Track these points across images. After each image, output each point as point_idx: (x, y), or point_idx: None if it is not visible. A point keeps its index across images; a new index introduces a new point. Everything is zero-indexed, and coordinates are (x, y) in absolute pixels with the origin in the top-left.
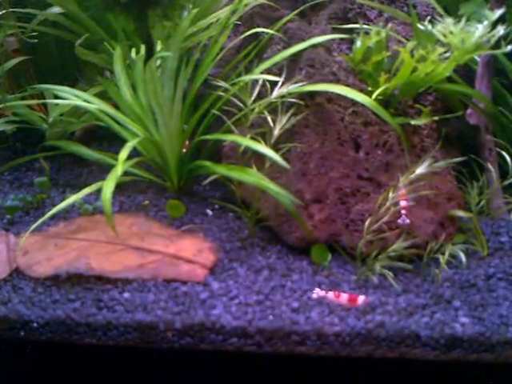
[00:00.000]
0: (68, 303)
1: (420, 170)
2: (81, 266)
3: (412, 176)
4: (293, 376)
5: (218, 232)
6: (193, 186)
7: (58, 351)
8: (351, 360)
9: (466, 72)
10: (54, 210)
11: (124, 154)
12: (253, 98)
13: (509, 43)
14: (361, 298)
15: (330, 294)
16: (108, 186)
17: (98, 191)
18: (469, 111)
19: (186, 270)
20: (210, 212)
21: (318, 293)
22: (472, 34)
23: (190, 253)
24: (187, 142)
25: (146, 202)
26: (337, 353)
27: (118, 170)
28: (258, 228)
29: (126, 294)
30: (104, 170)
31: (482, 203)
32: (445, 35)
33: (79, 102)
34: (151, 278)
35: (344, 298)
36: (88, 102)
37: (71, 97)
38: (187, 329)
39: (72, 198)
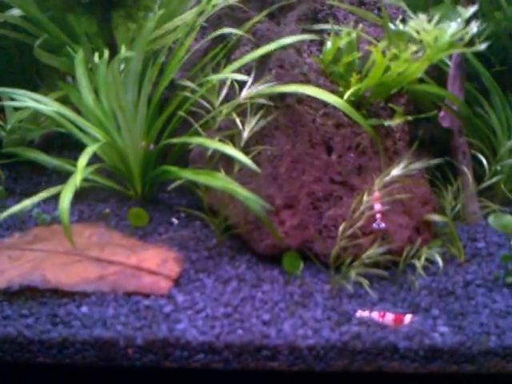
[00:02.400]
0: (20, 319)
1: (395, 171)
2: (36, 278)
3: (387, 178)
4: None
5: (184, 241)
6: (157, 193)
7: (10, 371)
8: (326, 375)
9: (438, 74)
10: (5, 214)
11: (83, 160)
12: (221, 100)
13: (483, 41)
14: (407, 318)
15: (375, 314)
16: (66, 195)
17: (57, 200)
18: (442, 114)
19: (149, 282)
20: (175, 220)
21: (360, 313)
22: (445, 31)
23: (153, 264)
24: (145, 144)
25: (107, 211)
26: (310, 368)
27: (77, 177)
28: (226, 236)
29: (84, 309)
30: (64, 178)
31: (457, 208)
32: (418, 32)
33: (37, 106)
34: (111, 291)
35: (389, 318)
36: (48, 107)
37: (30, 101)
38: (150, 345)
39: (26, 202)
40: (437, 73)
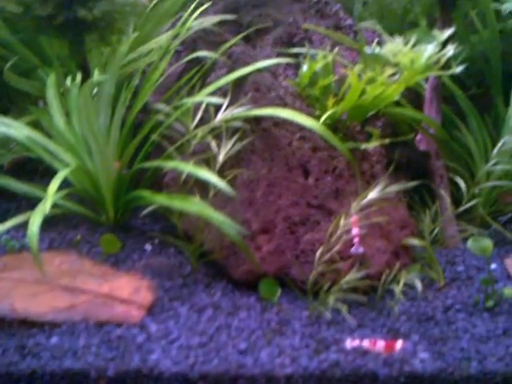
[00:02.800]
0: None
1: (372, 195)
2: (4, 308)
3: (364, 202)
4: None
5: (158, 268)
6: (130, 219)
7: None
8: None
9: (414, 97)
10: None
11: (53, 186)
12: (196, 124)
13: (459, 64)
14: (399, 344)
15: (366, 343)
16: (35, 221)
17: (27, 227)
18: (418, 137)
19: (121, 311)
20: (148, 247)
21: (351, 342)
22: (421, 54)
23: (125, 292)
24: (118, 165)
25: (78, 238)
26: None
27: (47, 203)
28: (202, 263)
29: (54, 339)
30: (34, 204)
31: (435, 231)
32: (394, 55)
33: (7, 130)
34: (82, 320)
35: (381, 345)
36: (18, 132)
37: (0, 126)
38: (122, 376)
39: None
40: (413, 96)
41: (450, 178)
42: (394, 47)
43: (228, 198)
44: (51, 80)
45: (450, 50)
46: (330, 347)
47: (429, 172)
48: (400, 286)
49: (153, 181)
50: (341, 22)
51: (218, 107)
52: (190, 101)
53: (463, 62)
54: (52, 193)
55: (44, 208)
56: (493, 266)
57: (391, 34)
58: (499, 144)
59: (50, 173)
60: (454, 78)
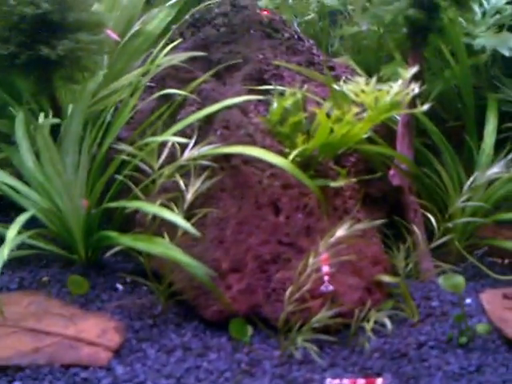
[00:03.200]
0: None
1: (340, 232)
2: None
3: (332, 239)
4: None
5: (128, 309)
6: (103, 256)
7: None
8: None
9: (387, 132)
10: None
11: (13, 230)
12: (164, 162)
13: (433, 98)
14: (379, 381)
15: (346, 382)
16: None
17: None
18: (391, 172)
19: (88, 354)
20: (120, 287)
21: (331, 382)
22: (385, 92)
23: (92, 334)
24: (86, 204)
25: (45, 279)
26: None
27: (5, 250)
28: (173, 303)
29: (17, 383)
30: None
31: (409, 266)
32: (357, 94)
33: None
34: (47, 364)
35: (361, 383)
36: None
37: None
38: None
39: None
40: (386, 131)
41: (423, 213)
42: (355, 87)
43: (197, 237)
44: (20, 118)
45: (416, 89)
46: None
47: (402, 207)
48: (371, 324)
49: (124, 219)
50: (314, 58)
51: (186, 145)
52: (154, 140)
53: (438, 96)
54: (11, 238)
55: (2, 254)
56: (468, 300)
57: (367, 68)
58: (470, 179)
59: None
60: (428, 111)
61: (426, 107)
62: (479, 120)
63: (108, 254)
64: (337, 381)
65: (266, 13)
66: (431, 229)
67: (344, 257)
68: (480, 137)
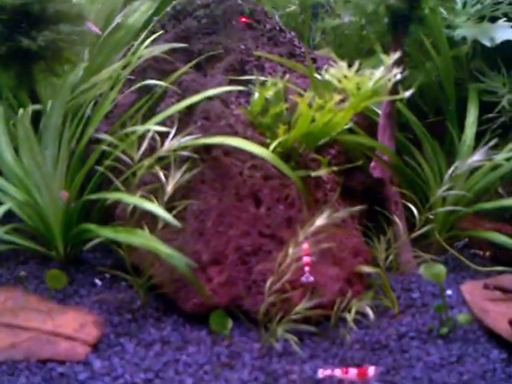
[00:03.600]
0: None
1: (319, 221)
2: None
3: (312, 229)
4: None
5: (106, 304)
6: (82, 253)
7: None
8: None
9: (369, 124)
10: None
11: None
12: (144, 154)
13: (407, 89)
14: (371, 370)
15: (338, 372)
16: None
17: None
18: (373, 164)
19: (65, 348)
20: (98, 282)
21: (322, 372)
22: (367, 78)
23: (70, 328)
24: (65, 196)
25: (22, 274)
26: None
27: None
28: (152, 297)
29: None
30: None
31: (390, 258)
32: (339, 80)
33: None
34: (24, 359)
35: (353, 372)
36: None
37: None
38: None
39: None
40: (367, 123)
41: (405, 204)
42: (338, 72)
43: (178, 230)
44: None
45: (398, 75)
46: (279, 379)
47: (384, 198)
48: (352, 315)
49: (104, 213)
50: (295, 50)
51: (166, 137)
52: (133, 130)
53: (419, 89)
54: None
55: None
56: (448, 292)
57: (349, 61)
58: (451, 168)
59: None
60: (410, 105)
61: (408, 93)
62: (460, 112)
63: (88, 245)
64: (328, 371)
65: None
66: (413, 221)
67: (324, 246)
68: (461, 128)
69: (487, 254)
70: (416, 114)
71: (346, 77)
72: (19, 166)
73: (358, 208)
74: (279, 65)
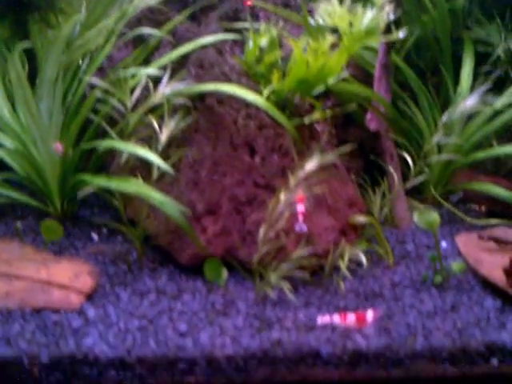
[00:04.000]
0: None
1: (309, 166)
2: None
3: (302, 174)
4: None
5: (102, 255)
6: (79, 209)
7: None
8: None
9: (365, 77)
10: None
11: None
12: (138, 103)
13: (404, 45)
14: (369, 314)
15: (336, 318)
16: None
17: None
18: (368, 116)
19: (59, 297)
20: (95, 236)
21: (321, 319)
22: (360, 16)
23: (64, 277)
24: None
25: (18, 225)
26: (230, 380)
27: None
28: (149, 249)
29: None
30: None
31: (385, 210)
32: (330, 15)
33: None
34: (18, 308)
35: (351, 318)
36: None
37: None
38: (55, 362)
39: None
40: (363, 75)
41: (401, 156)
42: (329, 7)
43: (173, 181)
44: None
45: (390, 14)
46: (273, 326)
47: (379, 151)
48: (345, 262)
49: (100, 166)
50: (290, 1)
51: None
52: (125, 73)
53: (415, 42)
54: None
55: None
56: (443, 244)
57: None
58: (446, 114)
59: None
60: (407, 61)
61: (402, 34)
62: (456, 66)
63: (81, 194)
64: (327, 317)
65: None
66: (408, 175)
67: (317, 192)
68: (457, 82)
69: (483, 208)
70: (412, 69)
71: (336, 13)
72: (15, 120)
73: (347, 147)
74: (274, 14)
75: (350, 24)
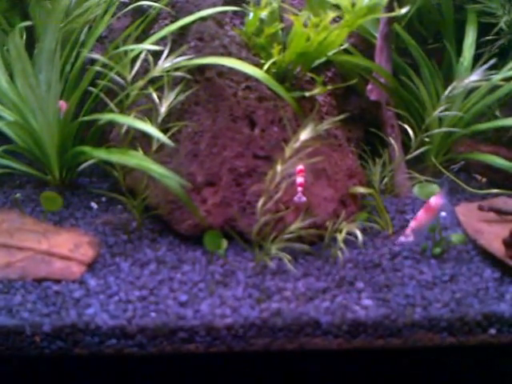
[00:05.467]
0: None
1: (304, 136)
2: None
3: (297, 144)
4: (181, 379)
5: (102, 226)
6: (78, 178)
7: None
8: (246, 355)
9: (366, 48)
10: None
11: None
12: (137, 76)
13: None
14: (432, 200)
15: (412, 224)
16: None
17: None
18: (369, 87)
19: (60, 268)
20: (94, 205)
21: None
22: None
23: (65, 248)
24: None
25: (17, 195)
26: (230, 348)
27: None
28: (149, 219)
29: None
30: None
31: (385, 180)
32: None
33: None
34: (19, 278)
35: (421, 215)
36: None
37: None
38: (58, 332)
39: None
40: (364, 46)
41: (402, 127)
42: None
43: (172, 153)
44: None
45: None
46: (273, 296)
47: (380, 122)
48: (343, 234)
49: (98, 138)
50: None
51: (159, 58)
52: (125, 49)
53: (418, 11)
54: None
55: None
56: (443, 214)
57: None
58: (448, 88)
59: None
60: (409, 30)
61: (404, 10)
62: (459, 36)
63: (82, 167)
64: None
65: None
66: (409, 145)
67: (318, 165)
68: (459, 52)
69: (484, 180)
70: (414, 38)
71: None
72: (14, 91)
73: (342, 117)
74: None
75: (352, 1)
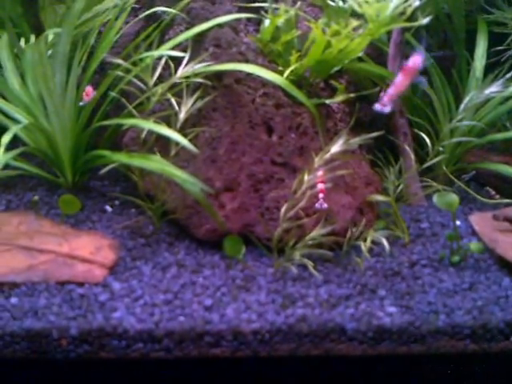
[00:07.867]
0: None
1: (334, 149)
2: None
3: (327, 156)
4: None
5: (119, 229)
6: (89, 180)
7: None
8: (272, 360)
9: (378, 55)
10: None
11: (6, 138)
12: (156, 82)
13: (426, 15)
14: (410, 62)
15: (391, 90)
16: None
17: None
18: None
19: (82, 271)
20: (109, 208)
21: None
22: (387, 4)
23: (86, 251)
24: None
25: (36, 198)
26: (256, 353)
27: None
28: (164, 223)
29: (14, 299)
30: None
31: (399, 188)
32: (360, 5)
33: None
34: (42, 281)
35: (400, 80)
36: None
37: None
38: (85, 335)
39: None
40: (377, 54)
41: (414, 135)
42: None
43: (190, 158)
44: (4, 41)
45: (416, 1)
46: (297, 302)
47: (393, 130)
48: (367, 243)
49: (111, 142)
50: None
51: (177, 65)
52: (149, 54)
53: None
54: (4, 143)
55: None
56: (457, 223)
57: None
58: (465, 100)
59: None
60: (417, 36)
61: (426, 20)
62: (468, 43)
63: (102, 171)
64: None
65: None
66: (420, 153)
67: (338, 174)
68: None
69: (497, 196)
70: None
71: (366, 1)
72: (26, 94)
73: (372, 135)
74: None
75: (378, 10)
